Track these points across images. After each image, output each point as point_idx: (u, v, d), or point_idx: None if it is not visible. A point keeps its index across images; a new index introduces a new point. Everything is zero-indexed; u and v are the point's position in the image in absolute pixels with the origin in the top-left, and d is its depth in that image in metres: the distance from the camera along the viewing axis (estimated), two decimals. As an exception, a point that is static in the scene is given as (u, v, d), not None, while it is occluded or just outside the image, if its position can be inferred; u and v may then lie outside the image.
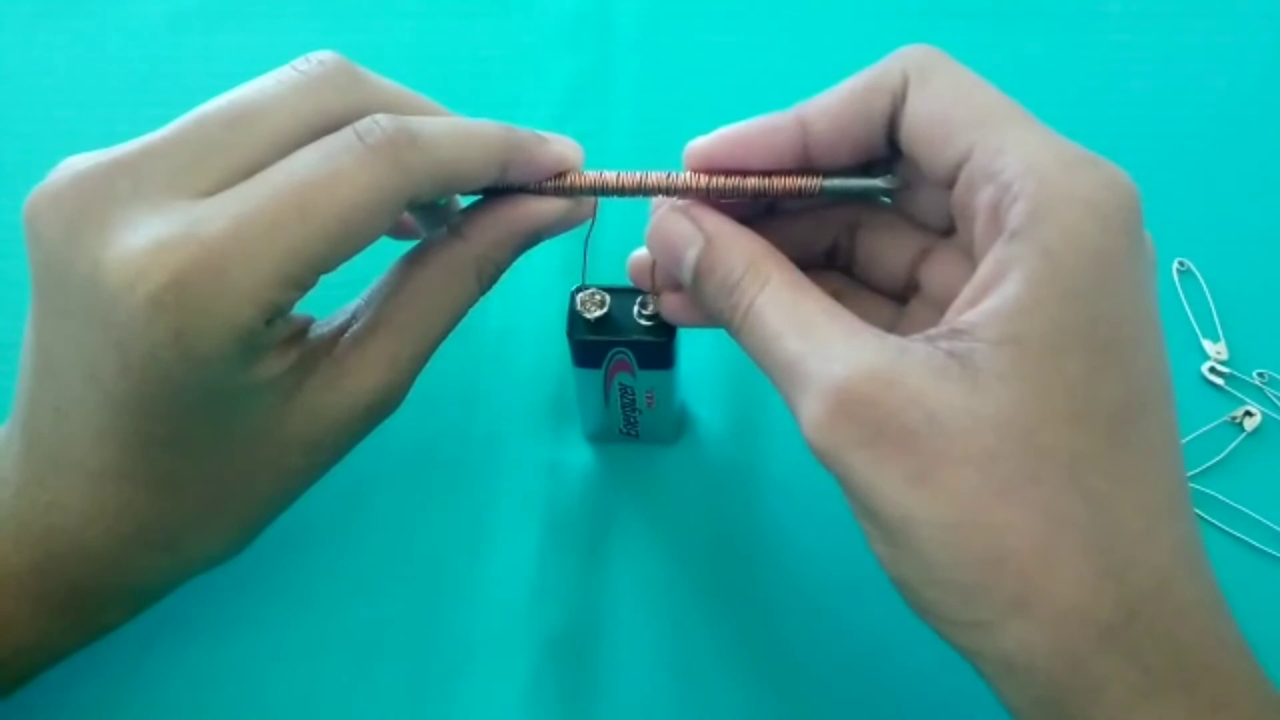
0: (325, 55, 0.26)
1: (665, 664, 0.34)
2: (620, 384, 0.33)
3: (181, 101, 0.25)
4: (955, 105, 0.25)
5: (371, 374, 0.27)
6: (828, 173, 0.27)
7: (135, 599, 0.28)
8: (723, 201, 0.28)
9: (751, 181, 0.27)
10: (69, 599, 0.26)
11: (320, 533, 0.36)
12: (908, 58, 0.26)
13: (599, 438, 0.38)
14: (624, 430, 0.37)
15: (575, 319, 0.31)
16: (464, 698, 0.34)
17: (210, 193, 0.23)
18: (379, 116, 0.25)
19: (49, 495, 0.25)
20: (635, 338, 0.31)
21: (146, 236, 0.22)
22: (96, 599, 0.27)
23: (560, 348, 0.32)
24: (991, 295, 0.23)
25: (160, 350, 0.22)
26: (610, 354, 0.32)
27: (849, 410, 0.23)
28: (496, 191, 0.28)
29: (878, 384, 0.22)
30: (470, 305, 0.29)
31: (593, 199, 0.29)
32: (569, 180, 0.28)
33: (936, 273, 0.28)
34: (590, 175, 0.28)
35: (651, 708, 0.34)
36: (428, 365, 0.29)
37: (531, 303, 0.40)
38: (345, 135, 0.24)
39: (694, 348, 0.39)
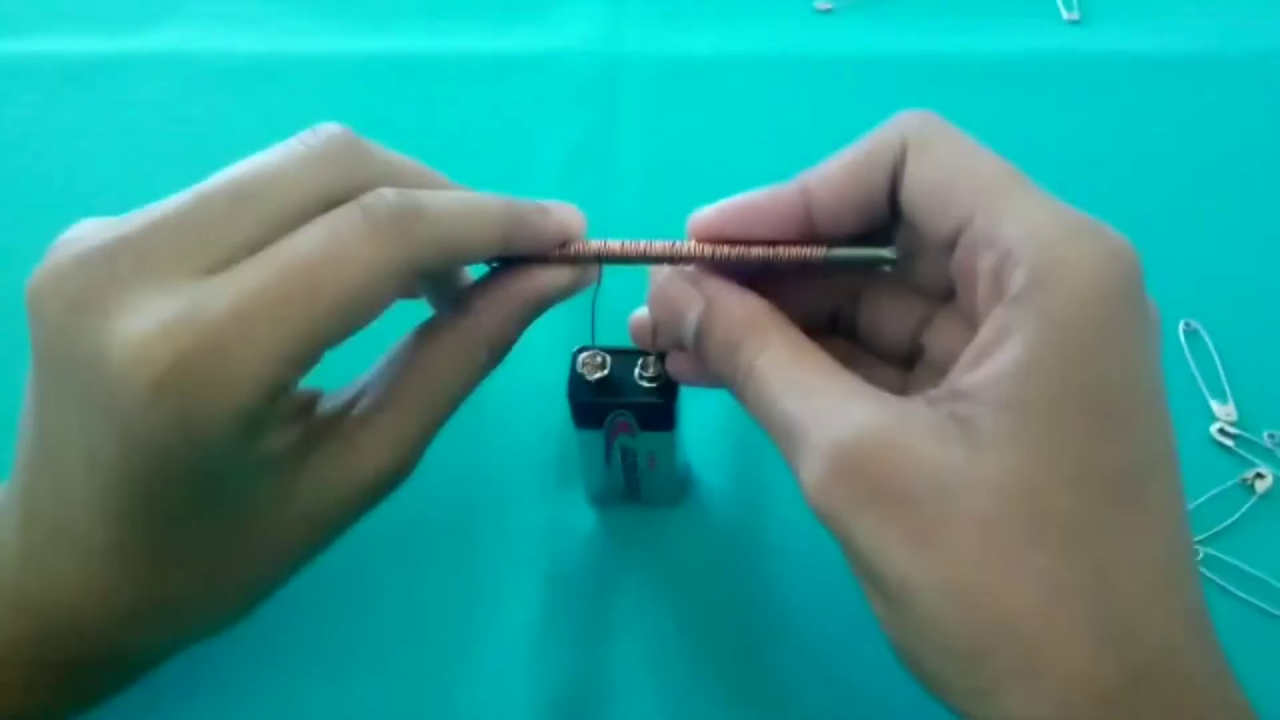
0: (331, 128, 0.26)
1: (668, 727, 0.34)
2: (622, 446, 0.33)
3: (196, 167, 0.25)
4: (954, 172, 0.25)
5: (379, 452, 0.27)
6: (831, 243, 0.27)
7: (133, 669, 0.28)
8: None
9: (756, 252, 0.27)
10: (66, 670, 0.26)
11: (320, 597, 0.36)
12: (905, 125, 0.26)
13: (601, 500, 0.38)
14: (626, 493, 0.37)
15: (576, 380, 0.31)
16: (466, 765, 0.33)
17: (215, 270, 0.23)
18: (383, 190, 0.25)
19: (47, 570, 0.25)
20: (636, 399, 0.31)
21: (149, 319, 0.22)
22: (94, 671, 0.27)
23: (562, 409, 0.32)
24: (993, 358, 0.22)
25: (163, 434, 0.22)
26: (611, 416, 0.32)
27: (849, 471, 0.22)
28: (504, 261, 0.28)
29: (878, 445, 0.22)
30: (482, 379, 0.29)
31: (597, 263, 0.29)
32: (573, 249, 0.28)
33: (940, 338, 0.28)
34: (595, 244, 0.29)
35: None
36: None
37: (533, 364, 0.40)
38: (350, 211, 0.24)
39: (697, 409, 0.38)
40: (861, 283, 0.30)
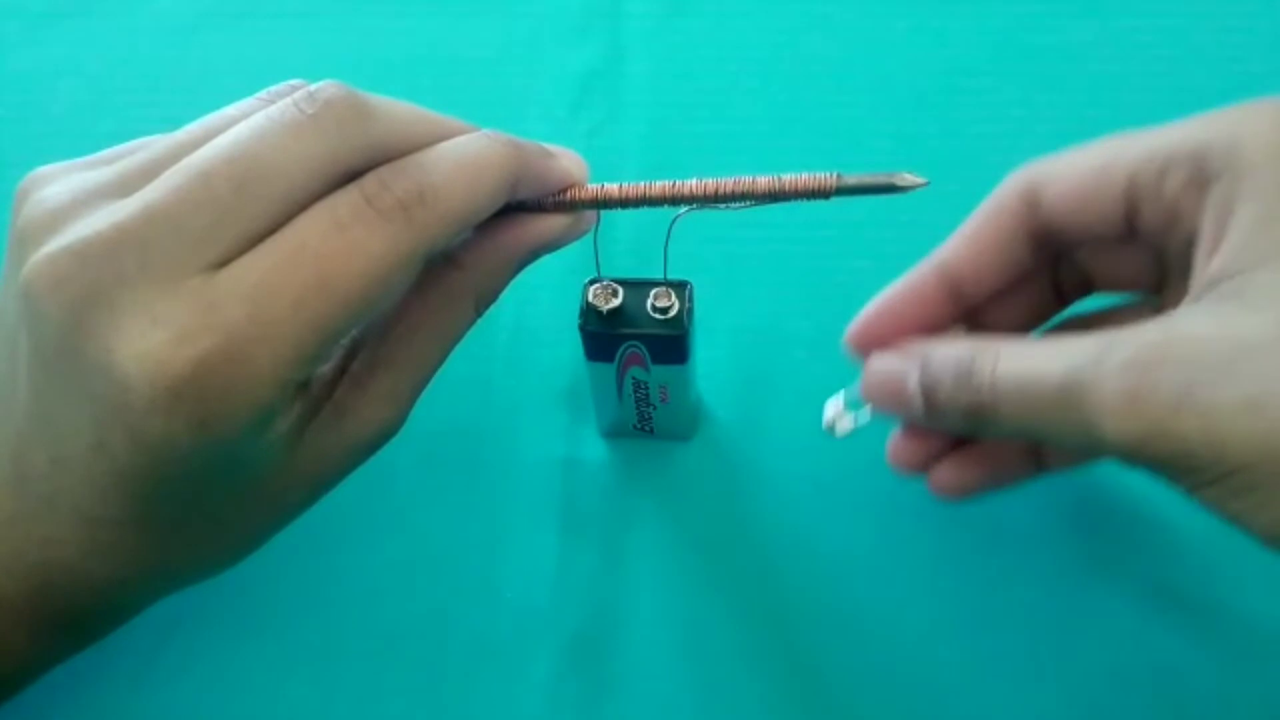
0: (330, 91, 0.24)
1: (683, 661, 0.34)
2: (633, 378, 0.33)
3: (186, 106, 0.25)
4: (1091, 158, 0.27)
5: (373, 411, 0.27)
6: (842, 173, 0.26)
7: (130, 613, 0.28)
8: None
9: (763, 182, 0.27)
10: (66, 621, 0.26)
11: (335, 533, 0.36)
12: (1018, 176, 0.28)
13: (614, 434, 0.38)
14: (638, 426, 0.37)
15: (587, 311, 0.31)
16: (482, 697, 0.34)
17: (221, 263, 0.22)
18: (386, 177, 0.24)
19: (43, 530, 0.25)
20: (648, 331, 0.31)
21: (163, 325, 0.22)
22: (93, 618, 0.27)
23: (575, 343, 0.32)
24: (1228, 237, 0.23)
25: (179, 437, 0.22)
26: (623, 348, 0.32)
27: (1151, 379, 0.22)
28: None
29: (1166, 344, 0.22)
30: (467, 330, 0.28)
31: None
32: (571, 195, 0.28)
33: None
34: (593, 189, 0.28)
35: (670, 705, 0.33)
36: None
37: (546, 297, 0.40)
38: (354, 201, 0.23)
39: (710, 343, 0.38)
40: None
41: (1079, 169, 0.27)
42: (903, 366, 0.28)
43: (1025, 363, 0.25)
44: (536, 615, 0.35)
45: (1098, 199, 0.27)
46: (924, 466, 0.31)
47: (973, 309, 0.30)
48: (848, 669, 0.34)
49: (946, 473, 0.31)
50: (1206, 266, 0.24)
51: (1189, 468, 0.22)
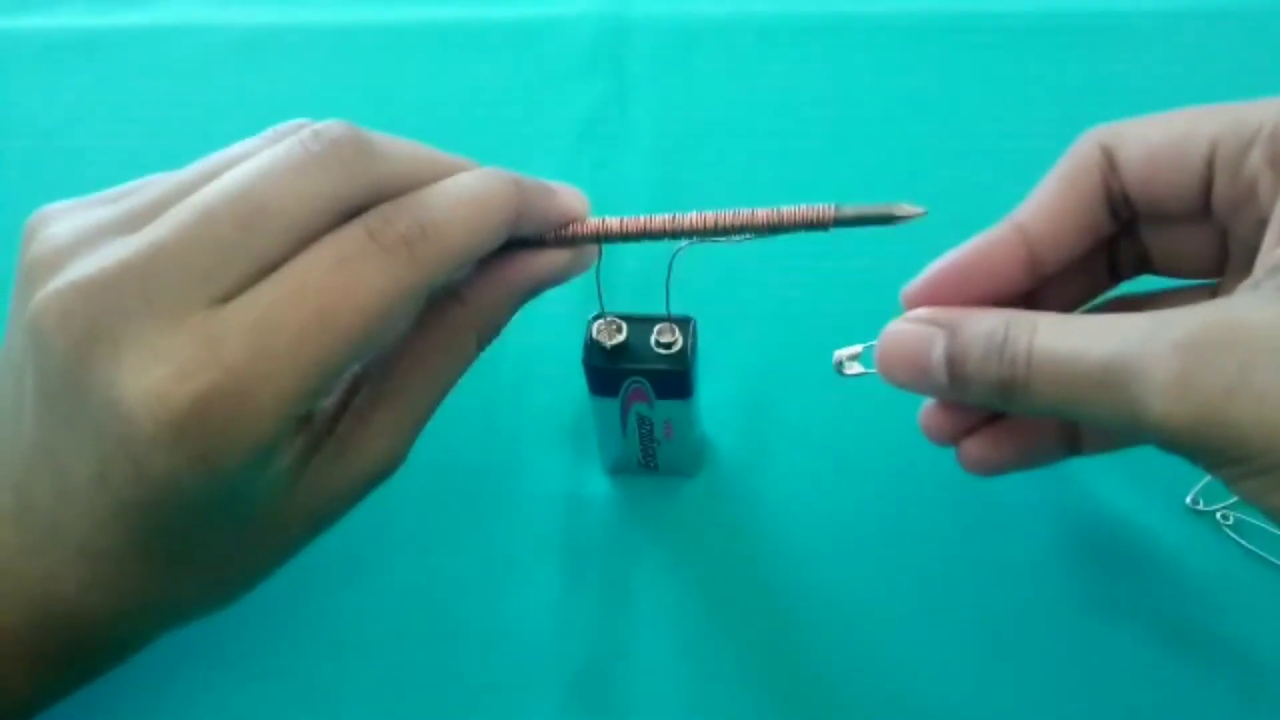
0: (334, 129, 0.24)
1: (688, 698, 0.34)
2: (638, 414, 0.33)
3: (197, 144, 0.25)
4: (1171, 125, 0.26)
5: (376, 445, 0.27)
6: (840, 204, 0.26)
7: (131, 650, 0.28)
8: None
9: (762, 214, 0.27)
10: (66, 656, 0.26)
11: (338, 569, 0.36)
12: (1091, 137, 0.27)
13: (618, 470, 0.38)
14: (643, 463, 0.36)
15: (591, 346, 0.31)
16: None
17: (225, 299, 0.23)
18: (390, 214, 0.24)
19: (45, 563, 0.25)
20: (651, 366, 0.31)
21: (165, 360, 0.22)
22: (93, 653, 0.27)
23: (579, 378, 0.32)
24: None
25: (181, 472, 0.22)
26: (626, 383, 0.32)
27: (1205, 361, 0.21)
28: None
29: (1223, 327, 0.21)
30: (470, 365, 0.28)
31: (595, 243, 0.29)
32: (572, 230, 0.28)
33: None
34: (594, 223, 0.28)
35: (676, 744, 0.33)
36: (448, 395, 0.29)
37: (551, 332, 0.40)
38: (358, 236, 0.24)
39: (714, 379, 0.38)
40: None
41: (1159, 134, 0.26)
42: (926, 333, 0.26)
43: (1065, 338, 0.24)
44: (540, 652, 0.35)
45: (1176, 168, 0.26)
46: (954, 438, 0.30)
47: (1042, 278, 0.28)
48: (854, 705, 0.33)
49: (977, 447, 0.29)
50: (1274, 250, 0.23)
51: (1238, 456, 0.21)
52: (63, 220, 0.24)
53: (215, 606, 0.27)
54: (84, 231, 0.24)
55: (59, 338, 0.22)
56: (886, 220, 0.26)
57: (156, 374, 0.22)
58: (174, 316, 0.22)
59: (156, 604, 0.26)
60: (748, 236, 0.27)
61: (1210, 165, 0.25)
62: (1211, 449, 0.22)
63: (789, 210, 0.27)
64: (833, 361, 0.30)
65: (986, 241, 0.27)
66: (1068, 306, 0.30)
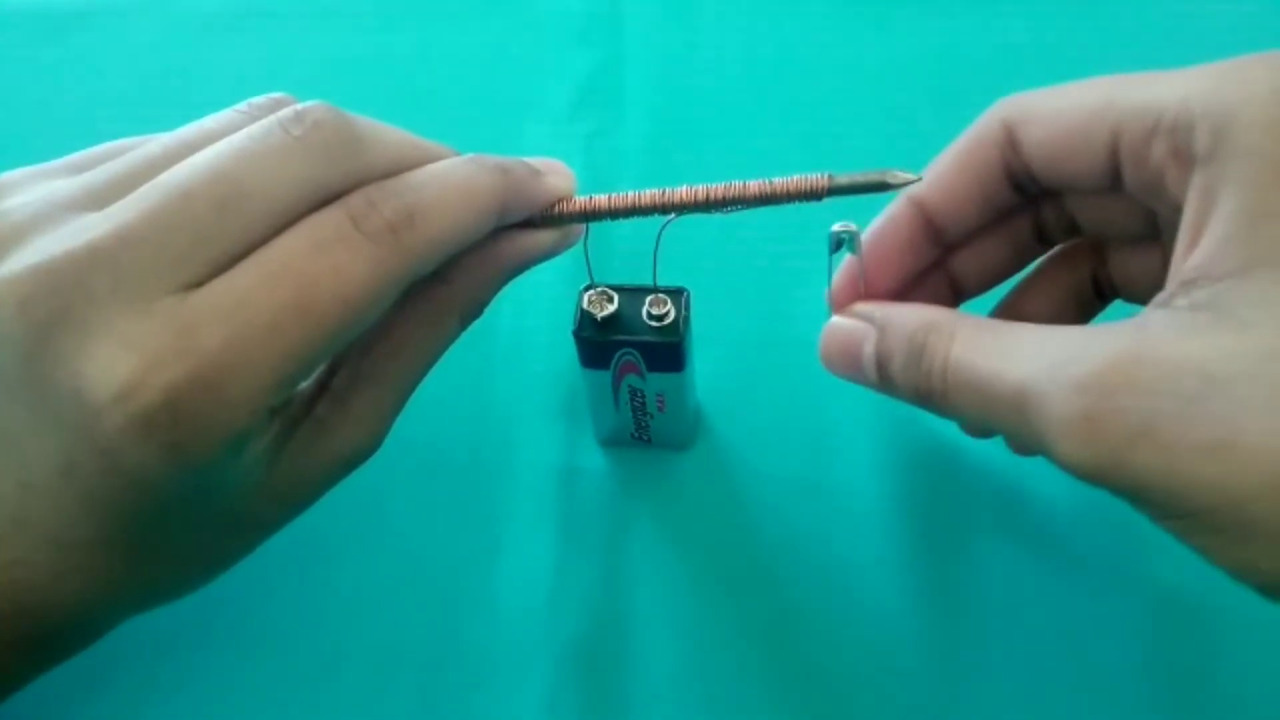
0: (318, 113, 0.23)
1: (683, 669, 0.34)
2: (629, 386, 0.33)
3: (177, 117, 0.24)
4: (1074, 107, 0.25)
5: (355, 428, 0.26)
6: (834, 173, 0.26)
7: (101, 633, 0.27)
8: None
9: (754, 186, 0.26)
10: (34, 642, 0.25)
11: (332, 544, 0.36)
12: (997, 110, 0.26)
13: (611, 442, 0.37)
14: (636, 435, 0.36)
15: (582, 317, 0.31)
16: (481, 707, 0.33)
17: (198, 284, 0.21)
18: (374, 197, 0.23)
19: (12, 553, 0.24)
20: (643, 338, 0.31)
21: (134, 349, 0.21)
22: (63, 638, 0.26)
23: (572, 350, 0.32)
24: (1209, 229, 0.21)
25: (152, 464, 0.21)
26: (617, 355, 0.31)
27: (1108, 405, 0.20)
28: None
29: (1129, 365, 0.20)
30: (452, 344, 0.28)
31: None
32: (559, 209, 0.27)
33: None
34: (581, 201, 0.27)
35: (671, 714, 0.33)
36: (438, 367, 0.28)
37: (543, 303, 0.40)
38: (339, 221, 0.23)
39: (708, 351, 0.38)
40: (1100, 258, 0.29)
41: (1061, 117, 0.25)
42: (860, 329, 0.26)
43: (983, 355, 0.23)
44: (535, 625, 0.35)
45: (1078, 152, 0.25)
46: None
47: (952, 247, 0.28)
48: (849, 676, 0.33)
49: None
50: (1185, 259, 0.22)
51: (1146, 501, 0.21)
52: (22, 191, 0.23)
53: (189, 590, 0.27)
54: (46, 205, 0.22)
55: (18, 324, 0.21)
56: (881, 188, 0.26)
57: (126, 364, 0.21)
58: (144, 302, 0.21)
59: (127, 590, 0.25)
60: (740, 208, 0.27)
61: (1115, 153, 0.24)
62: (1120, 493, 0.21)
63: (781, 181, 0.26)
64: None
65: (884, 220, 0.28)
66: (997, 270, 0.30)
